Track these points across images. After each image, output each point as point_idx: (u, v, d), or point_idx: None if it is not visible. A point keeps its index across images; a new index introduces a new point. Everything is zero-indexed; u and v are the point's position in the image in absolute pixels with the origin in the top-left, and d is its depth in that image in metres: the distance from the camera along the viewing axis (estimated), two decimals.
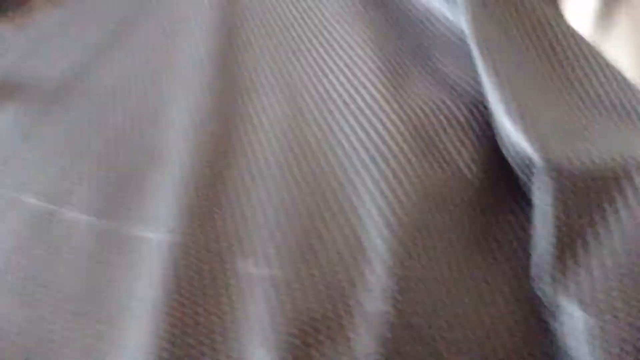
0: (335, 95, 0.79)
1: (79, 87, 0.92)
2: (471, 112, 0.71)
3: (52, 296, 0.61)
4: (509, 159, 0.62)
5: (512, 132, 0.61)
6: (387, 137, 0.67)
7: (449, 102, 0.72)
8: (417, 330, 0.52)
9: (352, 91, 0.78)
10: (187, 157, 0.74)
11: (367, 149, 0.68)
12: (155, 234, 0.65)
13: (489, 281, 0.57)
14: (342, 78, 0.81)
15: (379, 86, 0.76)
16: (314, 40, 0.95)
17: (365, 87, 0.77)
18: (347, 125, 0.73)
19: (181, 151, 0.75)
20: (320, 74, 0.85)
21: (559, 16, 0.81)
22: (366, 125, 0.71)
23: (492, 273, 0.57)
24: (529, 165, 0.60)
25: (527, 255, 0.58)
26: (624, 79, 0.69)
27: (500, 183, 0.64)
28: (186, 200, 0.67)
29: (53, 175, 0.75)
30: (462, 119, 0.70)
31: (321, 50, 0.91)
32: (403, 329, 0.51)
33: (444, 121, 0.69)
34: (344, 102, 0.77)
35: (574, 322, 0.51)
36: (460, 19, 0.86)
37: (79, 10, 1.17)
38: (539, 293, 0.55)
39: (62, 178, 0.74)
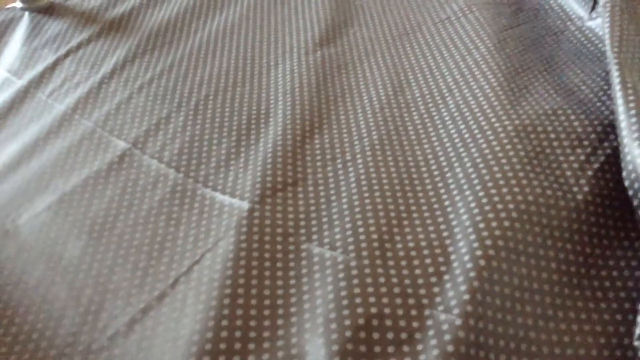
0: (444, 87, 0.74)
1: (192, 37, 0.93)
2: (590, 120, 0.65)
3: (119, 244, 0.61)
4: (630, 191, 0.55)
5: None
6: (494, 142, 0.62)
7: (566, 108, 0.66)
8: (485, 349, 0.48)
9: (464, 86, 0.73)
10: (280, 126, 0.72)
11: (469, 150, 0.63)
12: (229, 199, 0.64)
13: (581, 317, 0.51)
14: (456, 71, 0.76)
15: (497, 87, 0.70)
16: (430, 23, 0.89)
17: (480, 86, 0.72)
18: (452, 123, 0.68)
19: (276, 118, 0.73)
20: (432, 60, 0.80)
21: None
22: (473, 126, 0.66)
23: (586, 310, 0.51)
24: None
25: (632, 303, 0.52)
26: None
27: (615, 214, 0.58)
28: (270, 172, 0.65)
29: (149, 125, 0.75)
30: (579, 128, 0.64)
31: (437, 36, 0.85)
32: (469, 346, 0.47)
33: (559, 128, 0.64)
34: (454, 96, 0.72)
35: None
36: (598, 22, 0.79)
37: None
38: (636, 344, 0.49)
39: (157, 129, 0.75)
